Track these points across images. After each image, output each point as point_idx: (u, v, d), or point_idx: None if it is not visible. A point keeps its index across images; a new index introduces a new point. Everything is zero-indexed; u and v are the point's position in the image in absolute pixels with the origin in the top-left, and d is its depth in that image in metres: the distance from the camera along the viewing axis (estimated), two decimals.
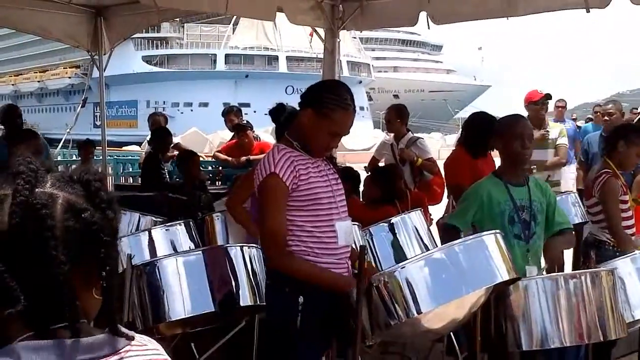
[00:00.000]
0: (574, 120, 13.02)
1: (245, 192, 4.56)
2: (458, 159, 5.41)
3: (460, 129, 5.94)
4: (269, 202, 3.05)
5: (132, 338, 1.23)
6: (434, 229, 5.33)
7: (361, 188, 6.06)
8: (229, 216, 4.83)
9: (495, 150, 4.12)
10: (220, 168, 9.51)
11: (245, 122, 8.58)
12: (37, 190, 1.15)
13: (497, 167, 4.02)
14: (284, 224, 3.02)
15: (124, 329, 1.23)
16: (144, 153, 9.74)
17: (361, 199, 5.83)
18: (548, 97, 6.95)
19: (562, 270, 5.18)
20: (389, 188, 5.53)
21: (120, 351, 1.20)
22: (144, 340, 1.27)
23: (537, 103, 6.86)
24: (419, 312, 2.87)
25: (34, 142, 4.86)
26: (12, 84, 77.91)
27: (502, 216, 3.67)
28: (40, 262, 1.12)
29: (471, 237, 3.13)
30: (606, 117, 7.62)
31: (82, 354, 1.15)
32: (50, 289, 1.13)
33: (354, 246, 3.33)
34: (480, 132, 5.19)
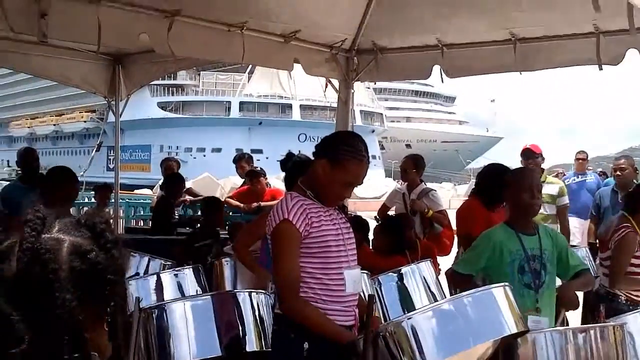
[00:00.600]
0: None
1: (251, 236, 4.65)
2: (472, 209, 5.45)
3: (473, 179, 5.99)
4: (283, 248, 3.08)
5: None
6: (443, 279, 5.32)
7: (371, 236, 6.07)
8: (239, 262, 4.86)
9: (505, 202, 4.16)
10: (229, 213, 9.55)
11: (259, 168, 8.65)
12: (44, 236, 1.22)
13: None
14: (298, 269, 3.06)
15: None
16: (155, 197, 9.80)
17: (371, 248, 5.83)
18: (524, 154, 6.93)
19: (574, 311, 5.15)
20: (398, 238, 5.54)
21: None
22: None
23: (525, 157, 6.89)
24: None
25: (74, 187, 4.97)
26: (28, 127, 79.01)
27: (512, 265, 3.74)
28: (46, 303, 1.18)
29: (480, 289, 3.12)
30: (618, 172, 7.61)
31: None
32: (57, 326, 1.18)
33: (362, 295, 3.34)
34: (495, 183, 5.23)
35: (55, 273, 1.18)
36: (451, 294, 4.97)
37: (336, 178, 3.09)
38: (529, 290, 3.73)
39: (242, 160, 8.99)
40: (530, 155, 6.80)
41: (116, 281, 1.25)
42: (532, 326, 3.25)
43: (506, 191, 4.00)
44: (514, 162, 7.11)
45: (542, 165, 7.03)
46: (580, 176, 9.59)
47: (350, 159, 3.09)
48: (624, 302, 4.50)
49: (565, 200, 6.86)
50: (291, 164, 4.40)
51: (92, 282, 1.22)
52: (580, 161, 9.75)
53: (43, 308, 1.18)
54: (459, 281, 3.99)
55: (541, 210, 6.69)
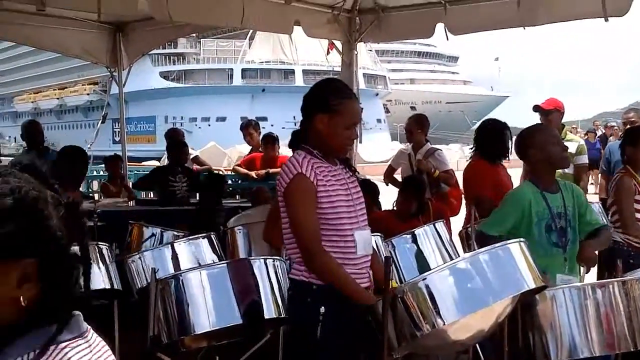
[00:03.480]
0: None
1: (276, 220, 4.51)
2: (477, 169, 5.44)
3: (473, 139, 5.89)
4: (302, 201, 3.02)
5: None
6: (455, 239, 5.30)
7: (382, 199, 6.04)
8: (252, 229, 4.82)
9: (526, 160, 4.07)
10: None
11: (275, 135, 8.57)
12: None
13: (528, 176, 4.01)
14: (318, 223, 3.01)
15: None
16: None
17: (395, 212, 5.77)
18: (534, 108, 6.56)
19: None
20: (423, 200, 5.52)
21: None
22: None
23: (540, 114, 6.55)
24: (444, 322, 2.84)
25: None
26: (32, 102, 78.87)
27: (539, 225, 3.69)
28: None
29: (496, 245, 3.09)
30: (629, 125, 7.47)
31: None
32: None
33: (381, 257, 3.31)
34: (496, 137, 5.32)
35: None
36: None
37: (338, 125, 3.07)
38: (558, 249, 3.70)
39: (249, 127, 8.91)
40: (541, 112, 6.59)
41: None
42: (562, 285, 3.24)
43: (526, 151, 3.89)
44: (521, 120, 7.00)
45: (562, 121, 6.74)
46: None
47: (342, 101, 3.08)
48: (626, 248, 4.55)
49: (584, 159, 6.57)
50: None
51: None
52: None
53: None
54: (485, 242, 3.90)
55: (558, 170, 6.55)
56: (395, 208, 5.77)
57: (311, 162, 3.05)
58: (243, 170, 8.58)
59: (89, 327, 1.28)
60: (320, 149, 3.11)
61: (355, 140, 3.32)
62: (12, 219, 1.14)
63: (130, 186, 8.44)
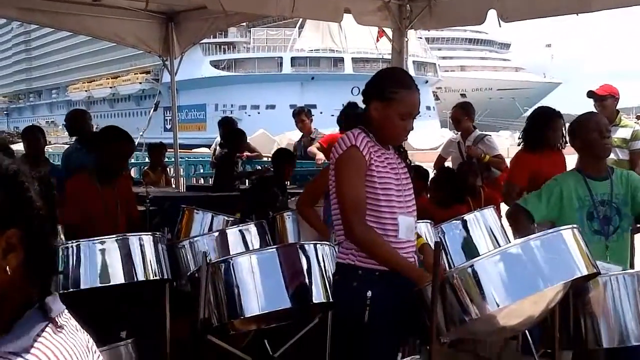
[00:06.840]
0: None
1: (315, 193, 4.56)
2: (518, 158, 5.43)
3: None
4: (350, 172, 3.01)
5: None
6: (505, 225, 5.27)
7: None
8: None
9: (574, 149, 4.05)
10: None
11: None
12: None
13: (577, 162, 3.97)
14: (364, 195, 2.99)
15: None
16: (213, 154, 9.88)
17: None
18: (588, 94, 6.44)
19: None
20: (453, 188, 5.52)
21: None
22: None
23: (594, 100, 6.42)
24: (494, 308, 2.82)
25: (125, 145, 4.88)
26: (85, 90, 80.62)
27: (581, 212, 3.68)
28: None
29: (548, 231, 3.05)
30: None
31: None
32: None
33: (430, 243, 3.30)
34: (538, 124, 5.27)
35: None
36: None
37: (392, 113, 3.04)
38: (599, 237, 3.68)
39: (301, 114, 8.98)
40: (595, 98, 6.46)
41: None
42: None
43: (571, 138, 3.91)
44: (573, 107, 6.84)
45: (617, 107, 6.59)
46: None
47: (398, 90, 3.04)
48: None
49: (638, 145, 6.48)
50: (344, 114, 4.36)
51: None
52: None
53: None
54: (516, 216, 3.90)
55: (613, 156, 6.39)
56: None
57: (366, 138, 3.04)
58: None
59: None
60: (374, 134, 3.10)
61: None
62: None
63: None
